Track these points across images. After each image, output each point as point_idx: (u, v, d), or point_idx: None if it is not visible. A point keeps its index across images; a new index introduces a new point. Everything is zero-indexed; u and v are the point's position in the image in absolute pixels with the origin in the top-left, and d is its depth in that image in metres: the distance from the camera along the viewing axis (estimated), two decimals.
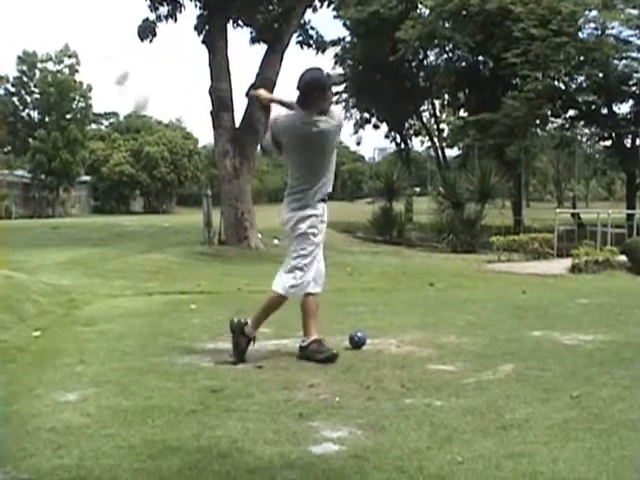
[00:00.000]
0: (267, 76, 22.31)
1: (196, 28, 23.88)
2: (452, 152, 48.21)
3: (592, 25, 34.75)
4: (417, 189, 47.70)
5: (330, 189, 6.56)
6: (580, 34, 34.23)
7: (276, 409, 4.86)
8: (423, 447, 4.09)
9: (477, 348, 6.85)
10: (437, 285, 13.84)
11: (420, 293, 12.68)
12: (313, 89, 6.33)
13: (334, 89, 7.11)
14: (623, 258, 17.93)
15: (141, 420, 4.62)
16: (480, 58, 40.23)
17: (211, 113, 22.28)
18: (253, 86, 22.39)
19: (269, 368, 6.03)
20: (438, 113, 51.69)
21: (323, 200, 6.47)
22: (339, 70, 46.40)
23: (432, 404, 4.92)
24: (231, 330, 6.27)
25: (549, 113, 36.41)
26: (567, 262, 18.02)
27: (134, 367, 6.15)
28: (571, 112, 39.03)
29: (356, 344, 6.81)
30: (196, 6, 24.06)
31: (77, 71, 70.37)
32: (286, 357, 6.51)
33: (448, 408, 4.83)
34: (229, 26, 23.74)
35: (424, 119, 52.56)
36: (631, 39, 34.92)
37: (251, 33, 25.49)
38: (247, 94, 20.97)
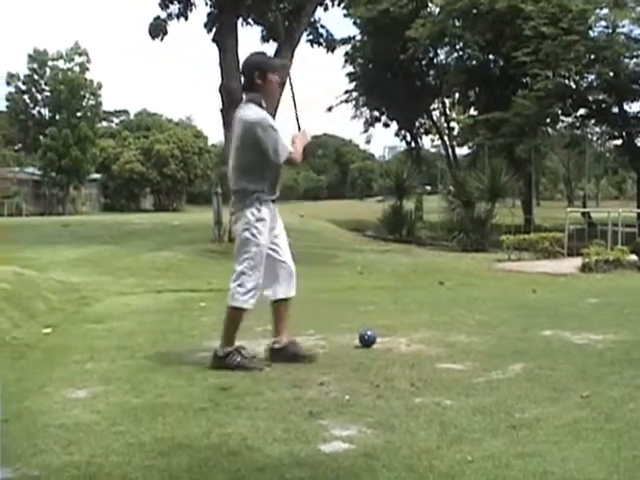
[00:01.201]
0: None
1: (206, 26, 23.92)
2: (462, 151, 48.26)
3: (603, 23, 34.72)
4: (428, 188, 47.65)
5: (266, 191, 6.16)
6: (591, 32, 34.19)
7: (286, 407, 4.85)
8: (433, 446, 4.08)
9: (487, 347, 6.84)
10: (447, 284, 13.82)
11: (430, 292, 12.66)
12: (252, 70, 6.22)
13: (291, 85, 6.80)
14: (634, 257, 17.85)
15: (151, 417, 4.63)
16: (490, 57, 40.22)
17: (221, 111, 22.28)
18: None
19: (278, 366, 6.03)
20: (448, 112, 51.75)
21: (260, 201, 6.10)
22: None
23: (442, 403, 4.91)
24: (222, 367, 5.97)
25: (559, 112, 36.40)
26: (577, 261, 17.96)
27: (144, 364, 6.16)
28: (581, 111, 39.00)
29: (366, 343, 6.81)
30: (206, 4, 24.12)
31: (87, 69, 70.70)
32: None
33: (458, 407, 4.82)
34: (239, 24, 23.76)
35: (434, 117, 52.57)
36: None
37: (262, 31, 25.53)
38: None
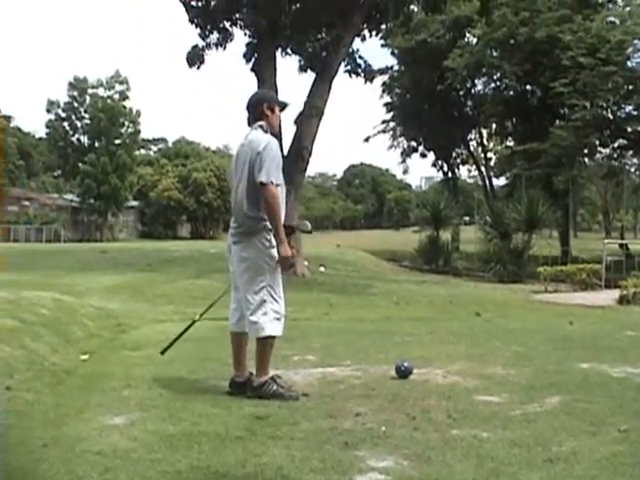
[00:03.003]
0: (315, 104, 22.43)
1: (245, 56, 24.13)
2: (499, 181, 48.14)
3: None
4: (466, 218, 47.61)
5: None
6: (629, 63, 34.04)
7: (322, 437, 4.85)
8: (469, 479, 4.06)
9: (524, 379, 6.80)
10: (484, 315, 13.77)
11: (466, 323, 12.61)
12: (262, 102, 6.35)
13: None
14: None
15: (187, 445, 4.64)
16: (528, 87, 40.17)
17: None
18: (301, 114, 22.57)
19: (315, 396, 6.03)
20: (485, 142, 51.63)
21: (268, 230, 6.05)
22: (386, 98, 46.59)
23: (478, 435, 4.89)
24: (259, 396, 5.97)
25: (597, 142, 36.20)
26: (615, 293, 17.84)
27: (181, 392, 6.18)
28: (619, 141, 38.74)
29: (402, 374, 6.80)
30: (245, 34, 24.35)
31: (127, 97, 71.47)
32: (332, 385, 6.50)
33: (495, 440, 4.79)
34: (278, 54, 23.95)
35: (471, 148, 52.53)
36: None
37: (300, 61, 25.72)
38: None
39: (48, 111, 72.44)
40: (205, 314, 7.08)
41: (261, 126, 6.23)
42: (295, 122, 22.74)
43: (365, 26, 25.48)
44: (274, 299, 6.03)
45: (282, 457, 4.41)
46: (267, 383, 6.01)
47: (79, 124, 72.83)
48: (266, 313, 5.99)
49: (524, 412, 5.54)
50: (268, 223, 5.99)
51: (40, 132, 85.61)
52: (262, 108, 6.29)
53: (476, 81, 45.05)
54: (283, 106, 6.58)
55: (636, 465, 4.28)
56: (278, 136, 6.44)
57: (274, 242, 5.99)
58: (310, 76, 24.38)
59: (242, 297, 6.15)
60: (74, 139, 73.22)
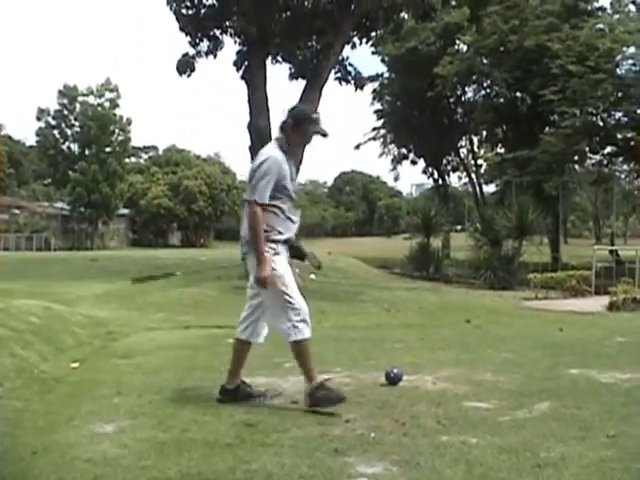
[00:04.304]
0: None
1: (235, 64, 24.13)
2: (490, 188, 48.22)
3: (630, 61, 34.67)
4: (458, 227, 47.69)
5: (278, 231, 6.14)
6: (618, 70, 34.15)
7: (311, 444, 4.85)
8: None
9: (513, 386, 6.82)
10: (474, 322, 13.80)
11: (457, 330, 12.63)
12: (293, 117, 6.29)
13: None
14: None
15: (177, 453, 4.65)
16: (518, 94, 40.28)
17: (250, 148, 22.42)
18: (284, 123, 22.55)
19: (304, 403, 6.04)
20: (476, 149, 51.71)
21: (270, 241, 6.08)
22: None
23: (467, 441, 4.90)
24: (315, 404, 5.85)
25: (587, 149, 36.29)
26: (605, 300, 17.88)
27: (171, 400, 6.19)
28: (609, 148, 38.83)
29: (392, 380, 6.80)
30: (235, 42, 24.37)
31: (117, 105, 71.31)
32: None
33: (484, 446, 4.80)
34: (268, 62, 23.97)
35: (462, 155, 52.62)
36: None
37: (290, 69, 25.73)
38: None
39: (38, 119, 72.27)
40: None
41: (277, 139, 6.26)
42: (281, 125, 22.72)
43: (355, 33, 25.53)
44: (291, 303, 5.97)
45: (272, 464, 4.42)
46: (315, 389, 5.93)
47: (69, 132, 72.57)
48: (290, 319, 5.95)
49: (513, 418, 5.55)
50: (270, 234, 6.00)
51: (30, 140, 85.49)
52: (291, 122, 6.24)
53: (466, 88, 45.19)
54: (322, 134, 6.45)
55: (624, 470, 4.29)
56: (295, 155, 6.35)
57: (279, 249, 6.04)
58: (300, 84, 24.42)
59: (264, 306, 6.18)
60: (64, 147, 72.92)
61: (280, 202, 6.05)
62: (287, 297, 5.97)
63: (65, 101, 71.87)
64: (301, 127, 6.28)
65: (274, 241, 6.02)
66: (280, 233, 6.07)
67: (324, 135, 6.40)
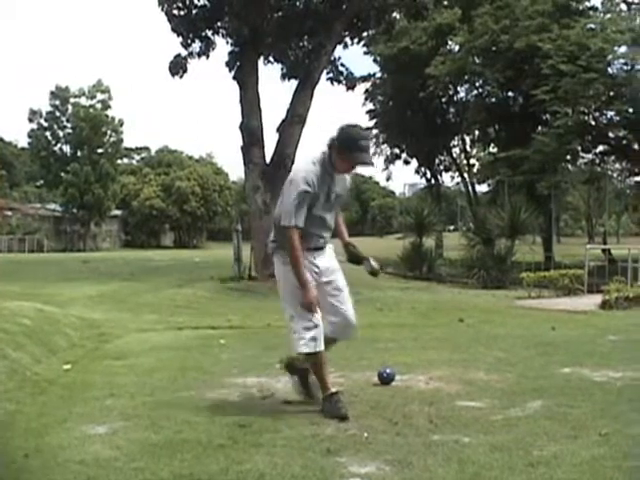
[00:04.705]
0: (298, 112, 22.49)
1: (227, 64, 24.15)
2: (482, 188, 48.19)
3: (622, 61, 34.67)
4: (451, 227, 47.68)
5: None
6: (609, 70, 34.14)
7: (304, 444, 4.86)
8: None
9: (506, 385, 6.82)
10: (467, 321, 13.80)
11: (450, 329, 12.63)
12: (339, 139, 5.78)
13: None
14: None
15: (170, 454, 4.64)
16: (510, 94, 40.24)
17: (242, 149, 22.44)
18: (284, 122, 22.62)
19: (297, 403, 6.04)
20: (468, 149, 51.73)
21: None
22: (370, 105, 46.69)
23: (460, 440, 4.90)
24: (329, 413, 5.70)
25: (579, 148, 36.27)
26: (597, 298, 17.87)
27: (163, 401, 6.18)
28: (601, 147, 38.83)
29: (385, 380, 6.81)
30: (227, 42, 24.41)
31: (109, 106, 71.29)
32: (314, 392, 6.49)
33: (476, 444, 4.81)
34: (260, 62, 24.00)
35: (454, 155, 52.62)
36: None
37: (282, 69, 25.77)
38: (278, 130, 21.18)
39: (30, 120, 72.18)
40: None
41: (323, 153, 5.86)
42: (277, 130, 22.79)
43: (347, 33, 25.59)
44: (300, 314, 5.75)
45: (264, 464, 4.41)
46: (324, 400, 5.80)
47: (61, 133, 72.46)
48: (296, 331, 5.76)
49: (506, 417, 5.56)
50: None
51: (22, 142, 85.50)
52: (337, 145, 5.79)
53: (458, 88, 45.09)
54: (362, 163, 5.94)
55: (616, 468, 4.29)
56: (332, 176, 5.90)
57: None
58: (292, 84, 24.46)
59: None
60: (56, 148, 72.81)
61: (324, 215, 6.00)
62: (297, 308, 5.80)
63: (57, 102, 71.82)
64: (344, 153, 5.79)
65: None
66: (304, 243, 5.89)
67: (370, 164, 5.99)
